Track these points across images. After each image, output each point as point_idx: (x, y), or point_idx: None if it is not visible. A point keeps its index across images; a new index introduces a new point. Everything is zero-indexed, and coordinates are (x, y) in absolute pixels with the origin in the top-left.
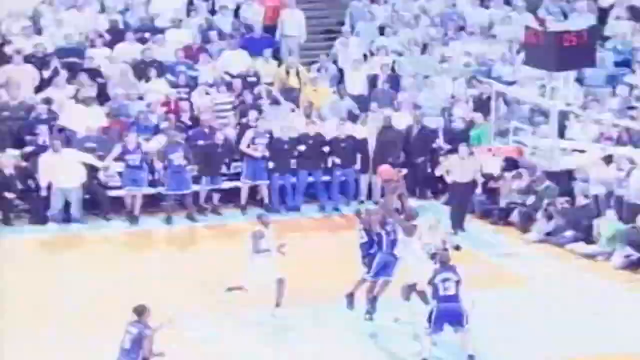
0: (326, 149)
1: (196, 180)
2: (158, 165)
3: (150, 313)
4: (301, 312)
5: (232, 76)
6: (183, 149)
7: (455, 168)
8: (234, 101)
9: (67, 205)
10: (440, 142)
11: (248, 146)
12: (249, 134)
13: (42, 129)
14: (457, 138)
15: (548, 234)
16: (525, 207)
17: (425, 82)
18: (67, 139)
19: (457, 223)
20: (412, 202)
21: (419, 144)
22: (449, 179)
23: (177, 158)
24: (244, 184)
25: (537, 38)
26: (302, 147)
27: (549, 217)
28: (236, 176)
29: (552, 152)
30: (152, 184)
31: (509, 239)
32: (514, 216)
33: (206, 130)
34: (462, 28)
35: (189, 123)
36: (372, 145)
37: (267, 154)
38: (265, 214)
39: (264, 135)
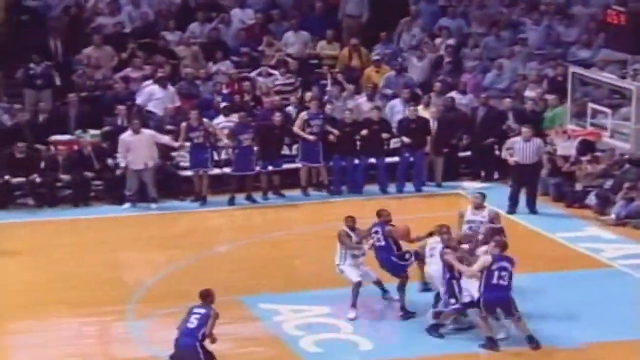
0: (387, 135)
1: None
2: (226, 145)
3: (214, 297)
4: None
5: (294, 57)
6: (251, 130)
7: (519, 150)
8: (295, 82)
9: (142, 186)
10: (510, 123)
11: (303, 129)
12: (303, 115)
13: (121, 110)
14: (529, 120)
15: (627, 217)
16: (602, 190)
17: (494, 64)
18: (144, 119)
19: (528, 205)
20: (477, 184)
21: (487, 125)
22: (511, 161)
23: (246, 139)
24: (303, 166)
25: (619, 18)
26: (365, 132)
27: (629, 200)
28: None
29: (633, 135)
30: (217, 164)
31: (585, 221)
32: (590, 199)
33: (268, 111)
34: (535, 7)
35: (252, 104)
36: (434, 127)
37: (335, 131)
38: (351, 216)
39: (318, 116)
